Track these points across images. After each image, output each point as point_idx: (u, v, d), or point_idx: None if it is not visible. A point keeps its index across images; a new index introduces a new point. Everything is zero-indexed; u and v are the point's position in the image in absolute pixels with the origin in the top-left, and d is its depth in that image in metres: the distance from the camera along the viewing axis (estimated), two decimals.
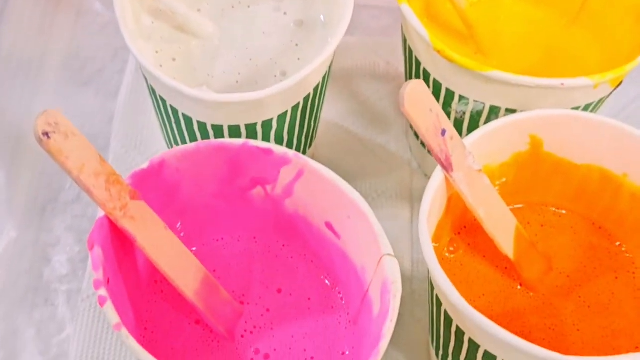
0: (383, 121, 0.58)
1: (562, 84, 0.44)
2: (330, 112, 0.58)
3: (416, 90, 0.38)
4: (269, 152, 0.42)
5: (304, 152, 0.52)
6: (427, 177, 0.49)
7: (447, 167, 0.41)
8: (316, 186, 0.42)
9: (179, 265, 0.41)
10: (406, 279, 0.51)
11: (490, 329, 0.37)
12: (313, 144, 0.54)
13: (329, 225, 0.43)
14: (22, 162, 0.55)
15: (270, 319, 0.44)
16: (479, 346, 0.40)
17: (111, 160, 0.55)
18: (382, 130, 0.58)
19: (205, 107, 0.44)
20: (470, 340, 0.40)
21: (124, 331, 0.36)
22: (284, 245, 0.46)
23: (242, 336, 0.43)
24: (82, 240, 0.52)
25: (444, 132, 0.40)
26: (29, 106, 0.57)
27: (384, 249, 0.39)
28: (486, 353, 0.40)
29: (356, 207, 0.40)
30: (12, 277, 0.51)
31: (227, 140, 0.42)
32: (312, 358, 0.43)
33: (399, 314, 0.49)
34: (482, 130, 0.43)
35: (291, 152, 0.42)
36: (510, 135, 0.44)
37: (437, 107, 0.40)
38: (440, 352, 0.44)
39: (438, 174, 0.41)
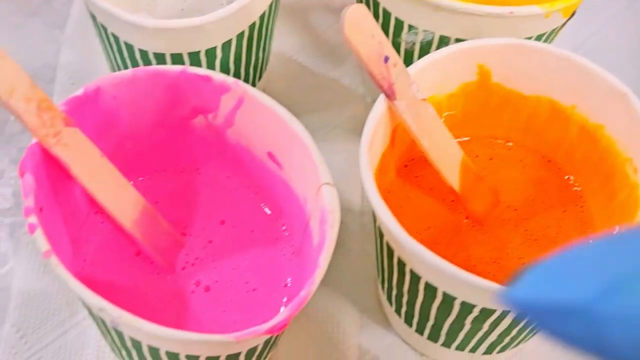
0: (337, 55, 0.57)
1: (511, 12, 0.43)
2: (284, 45, 0.57)
3: (357, 15, 0.37)
4: (207, 79, 0.41)
5: (254, 85, 0.51)
6: None
7: (389, 95, 0.40)
8: (257, 115, 0.41)
9: (116, 194, 0.40)
10: (356, 214, 0.51)
11: (427, 259, 0.36)
12: (264, 77, 0.53)
13: (271, 156, 0.42)
14: None
15: (212, 251, 0.43)
16: (420, 277, 0.39)
17: (57, 92, 0.54)
18: (336, 64, 0.57)
19: (145, 34, 0.43)
20: (411, 271, 0.39)
21: (53, 259, 0.35)
22: (227, 177, 0.45)
23: (183, 268, 0.42)
24: None
25: (386, 59, 0.39)
26: None
27: (323, 178, 0.38)
28: (427, 284, 0.39)
29: (296, 136, 0.40)
30: None
31: (165, 66, 0.41)
32: (254, 289, 0.42)
33: (349, 249, 0.49)
34: (428, 58, 0.42)
35: (231, 79, 0.41)
36: (457, 65, 0.43)
37: (380, 33, 0.38)
38: (386, 285, 0.44)
39: (380, 103, 0.40)
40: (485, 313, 0.39)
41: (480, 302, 0.38)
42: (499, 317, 0.39)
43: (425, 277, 0.39)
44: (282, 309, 0.41)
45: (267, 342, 0.39)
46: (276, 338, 0.40)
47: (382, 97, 0.40)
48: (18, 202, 0.50)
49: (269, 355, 0.43)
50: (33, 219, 0.36)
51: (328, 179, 0.38)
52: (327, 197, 0.38)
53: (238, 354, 0.38)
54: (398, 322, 0.45)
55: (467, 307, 0.39)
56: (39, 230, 0.36)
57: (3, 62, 0.35)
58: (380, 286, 0.46)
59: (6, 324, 0.46)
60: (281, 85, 0.55)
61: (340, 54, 0.57)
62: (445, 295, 0.39)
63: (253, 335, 0.34)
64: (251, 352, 0.38)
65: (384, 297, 0.46)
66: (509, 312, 0.39)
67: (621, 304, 0.18)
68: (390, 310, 0.46)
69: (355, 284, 0.48)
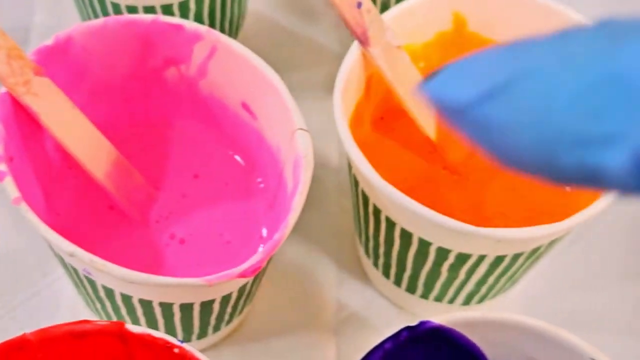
0: (313, 13, 0.56)
1: None
2: (259, 2, 0.56)
3: None
4: (180, 27, 0.40)
5: None
6: None
7: (363, 42, 0.39)
8: (230, 64, 0.40)
9: (88, 146, 0.40)
10: (334, 171, 0.50)
11: (400, 202, 0.36)
12: (240, 35, 0.52)
13: (245, 106, 0.41)
14: None
15: (186, 204, 0.43)
16: (395, 224, 0.39)
17: (33, 44, 0.53)
18: (312, 22, 0.56)
19: None
20: (387, 218, 0.39)
21: (23, 205, 0.35)
22: (201, 131, 0.44)
23: (157, 221, 0.42)
24: None
25: (359, 5, 0.39)
26: None
27: (297, 124, 0.38)
28: (402, 231, 0.39)
29: (269, 83, 0.39)
30: None
31: (136, 15, 0.40)
32: (228, 242, 0.42)
33: (326, 206, 0.49)
34: (402, 5, 0.42)
35: (203, 28, 0.40)
36: (432, 12, 0.42)
37: None
38: (363, 237, 0.44)
39: (354, 50, 0.40)
40: (461, 259, 0.39)
41: (456, 247, 0.38)
42: (474, 263, 0.39)
43: (400, 223, 0.39)
44: None
45: (241, 291, 0.38)
46: (251, 289, 0.40)
47: (355, 44, 0.40)
48: None
49: (245, 310, 0.43)
50: (2, 167, 0.35)
51: (301, 124, 0.38)
52: (300, 141, 0.37)
53: (212, 301, 0.37)
54: (376, 275, 0.45)
55: (442, 253, 0.39)
56: (9, 177, 0.35)
57: None
58: (358, 240, 0.45)
59: None
60: (257, 42, 0.54)
61: (317, 12, 0.56)
62: (420, 241, 0.39)
63: (226, 279, 0.34)
64: (225, 300, 0.38)
65: (362, 251, 0.46)
66: (483, 257, 0.38)
67: (493, 110, 0.19)
68: (368, 263, 0.45)
69: (333, 240, 0.48)
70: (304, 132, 0.38)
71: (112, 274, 0.34)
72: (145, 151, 0.44)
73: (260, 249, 0.41)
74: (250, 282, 0.38)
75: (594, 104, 0.17)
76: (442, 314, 0.34)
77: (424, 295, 0.44)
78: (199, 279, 0.34)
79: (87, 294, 0.39)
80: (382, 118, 0.45)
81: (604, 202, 0.37)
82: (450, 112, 0.20)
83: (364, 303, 0.47)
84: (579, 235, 0.49)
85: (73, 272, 0.37)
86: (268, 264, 0.41)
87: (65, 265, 0.38)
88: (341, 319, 0.46)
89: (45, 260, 0.46)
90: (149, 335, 0.33)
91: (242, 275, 0.34)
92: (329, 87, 0.53)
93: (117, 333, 0.33)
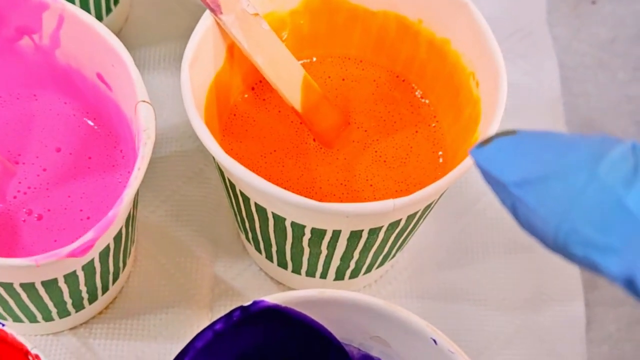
0: None
1: None
2: None
3: None
4: None
5: (109, 10, 0.49)
6: None
7: (214, 10, 0.38)
8: (80, 34, 0.39)
9: None
10: None
11: (241, 174, 0.35)
12: (123, 2, 0.50)
13: (99, 77, 0.40)
14: None
15: (46, 179, 0.41)
16: (249, 199, 0.38)
17: None
18: None
19: None
20: (241, 193, 0.38)
21: None
22: (65, 103, 0.43)
23: (15, 197, 0.41)
24: None
25: None
26: None
27: (140, 96, 0.37)
28: (257, 206, 0.38)
29: (115, 53, 0.38)
30: None
31: None
32: (88, 218, 0.41)
33: (206, 179, 0.48)
34: None
35: None
36: None
37: None
38: (233, 212, 0.42)
39: (206, 19, 0.38)
40: (317, 234, 0.38)
41: (309, 222, 0.37)
42: (332, 238, 0.38)
43: (253, 198, 0.37)
44: None
45: (88, 269, 0.37)
46: (104, 265, 0.39)
47: (207, 13, 0.38)
48: None
49: (114, 286, 0.42)
50: None
51: (144, 96, 0.36)
52: (142, 114, 0.36)
53: (55, 281, 0.36)
54: (252, 250, 0.44)
55: (298, 228, 0.38)
56: None
57: None
58: (232, 214, 0.44)
59: None
60: (145, 11, 0.53)
61: None
62: (275, 216, 0.37)
63: (54, 258, 0.33)
64: (71, 279, 0.37)
65: (236, 225, 0.44)
66: (339, 232, 0.37)
67: (526, 196, 0.23)
68: (244, 238, 0.44)
69: (212, 214, 0.47)
70: (146, 105, 0.36)
71: None
72: (9, 124, 0.42)
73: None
74: (98, 257, 0.37)
75: (604, 219, 0.21)
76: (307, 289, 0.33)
77: (296, 270, 0.42)
78: (26, 259, 0.33)
79: None
80: (253, 89, 0.44)
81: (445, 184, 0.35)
82: (493, 183, 0.24)
83: (243, 278, 0.46)
84: (465, 208, 0.48)
85: None
86: (134, 237, 0.40)
87: None
88: (217, 294, 0.45)
89: None
90: None
91: (72, 254, 0.33)
92: None
93: None
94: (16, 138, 0.42)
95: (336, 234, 0.37)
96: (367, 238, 0.38)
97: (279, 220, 0.38)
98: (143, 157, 0.35)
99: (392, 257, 0.43)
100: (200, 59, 0.38)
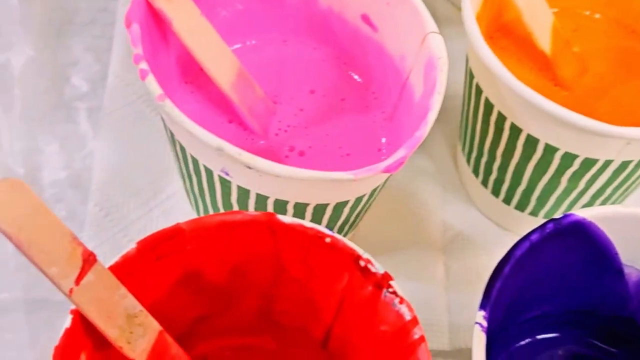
0: None
1: None
2: None
3: None
4: None
5: None
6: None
7: None
8: None
9: (215, 54, 0.40)
10: None
11: (534, 101, 0.36)
12: None
13: (365, 18, 0.42)
14: None
15: (304, 118, 0.43)
16: (520, 130, 0.39)
17: None
18: None
19: None
20: (512, 126, 0.40)
21: (168, 102, 0.35)
22: (314, 48, 0.45)
23: (276, 134, 0.42)
24: (101, 60, 0.51)
25: None
26: None
27: (429, 27, 0.38)
28: (528, 138, 0.39)
29: None
30: (32, 95, 0.49)
31: None
32: (348, 154, 0.42)
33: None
34: None
35: None
36: None
37: None
38: (474, 154, 0.44)
39: None
40: (585, 165, 0.39)
41: (584, 152, 0.38)
42: (598, 170, 0.39)
43: (527, 129, 0.39)
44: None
45: (354, 207, 0.39)
46: (368, 201, 0.40)
47: None
48: (94, 87, 0.50)
49: (355, 226, 0.43)
50: (144, 65, 0.36)
51: (433, 27, 0.38)
52: (434, 44, 0.38)
53: (344, 204, 0.38)
54: (483, 194, 0.46)
55: (568, 160, 0.39)
56: (151, 75, 0.36)
57: None
58: (465, 160, 0.46)
59: (90, 202, 0.46)
60: None
61: None
62: (546, 148, 0.39)
63: (372, 173, 0.34)
64: (357, 203, 0.38)
65: (468, 171, 0.46)
66: (609, 163, 0.39)
67: None
68: (475, 184, 0.46)
69: (437, 162, 0.49)
70: (437, 35, 0.38)
71: (259, 168, 0.34)
72: (262, 67, 0.44)
73: (383, 158, 0.41)
74: (368, 195, 0.39)
75: None
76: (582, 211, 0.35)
77: (534, 212, 0.44)
78: (346, 172, 0.34)
79: (214, 201, 0.39)
80: (491, 38, 0.45)
81: None
82: None
83: (469, 224, 0.47)
84: None
85: (206, 176, 0.38)
86: (385, 182, 0.42)
87: (194, 172, 0.38)
88: (448, 238, 0.46)
89: (155, 179, 0.46)
90: (300, 225, 0.33)
91: (387, 170, 0.35)
92: None
93: (268, 224, 0.33)
94: (271, 80, 0.44)
95: (605, 165, 0.39)
96: (631, 171, 0.40)
97: (550, 152, 0.39)
98: (442, 83, 0.37)
99: (627, 197, 0.44)
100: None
